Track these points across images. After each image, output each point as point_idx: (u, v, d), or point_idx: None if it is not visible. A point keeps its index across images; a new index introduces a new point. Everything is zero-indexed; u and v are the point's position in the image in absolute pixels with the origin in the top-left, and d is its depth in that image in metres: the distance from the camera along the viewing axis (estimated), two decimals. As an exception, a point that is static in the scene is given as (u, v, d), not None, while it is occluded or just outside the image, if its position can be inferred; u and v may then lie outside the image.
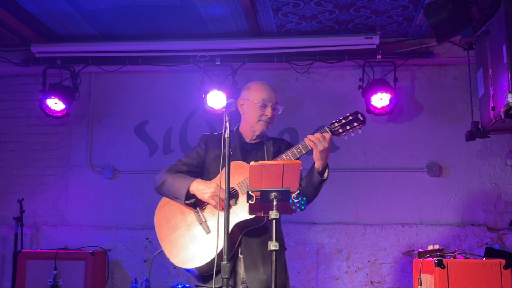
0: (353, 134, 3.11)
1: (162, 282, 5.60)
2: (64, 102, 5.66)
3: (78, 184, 5.92)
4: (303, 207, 3.18)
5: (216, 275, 2.96)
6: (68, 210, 5.90)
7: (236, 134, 3.34)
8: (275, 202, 2.61)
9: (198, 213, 3.16)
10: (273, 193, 2.62)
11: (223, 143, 2.87)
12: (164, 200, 3.28)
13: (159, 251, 3.26)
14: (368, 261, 5.47)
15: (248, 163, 2.80)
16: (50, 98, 5.62)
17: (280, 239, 3.21)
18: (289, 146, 3.26)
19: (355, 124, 3.07)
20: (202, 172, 3.31)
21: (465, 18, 4.16)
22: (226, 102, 2.92)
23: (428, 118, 5.64)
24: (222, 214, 3.02)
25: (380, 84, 5.32)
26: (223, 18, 5.11)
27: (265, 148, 3.28)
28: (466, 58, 5.00)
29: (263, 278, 3.06)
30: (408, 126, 5.65)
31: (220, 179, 2.98)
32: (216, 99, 5.34)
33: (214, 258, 2.95)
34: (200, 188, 3.11)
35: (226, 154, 2.80)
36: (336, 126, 3.08)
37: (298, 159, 3.06)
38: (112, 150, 5.95)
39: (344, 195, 5.60)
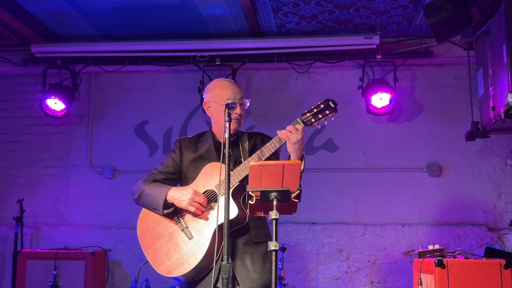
0: (326, 122, 3.06)
1: (162, 282, 5.59)
2: (64, 102, 5.66)
3: (78, 184, 5.92)
4: None
5: (203, 279, 3.00)
6: (68, 210, 5.90)
7: (209, 135, 3.27)
8: (275, 202, 2.61)
9: (178, 220, 3.11)
10: (273, 193, 2.62)
11: (223, 144, 2.85)
12: (145, 210, 3.23)
13: (144, 262, 3.23)
14: (368, 261, 5.47)
15: (224, 163, 2.77)
16: (50, 98, 5.63)
17: (267, 234, 3.17)
18: (263, 140, 3.20)
19: (327, 112, 3.03)
20: (180, 177, 3.27)
21: (465, 18, 4.16)
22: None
23: (428, 118, 5.64)
24: (201, 220, 3.03)
25: (380, 84, 5.32)
26: (223, 18, 5.11)
27: (240, 146, 3.21)
28: (466, 58, 5.00)
29: (254, 277, 3.04)
30: (408, 126, 5.65)
31: (197, 182, 2.96)
32: (216, 99, 5.33)
33: (198, 263, 2.94)
34: (177, 196, 3.05)
35: (227, 154, 2.78)
36: (308, 116, 3.04)
37: (274, 153, 3.03)
38: (112, 150, 5.95)
39: (344, 195, 5.60)
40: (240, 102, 3.14)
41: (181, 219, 3.11)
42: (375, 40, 5.21)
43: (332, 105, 3.04)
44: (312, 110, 3.05)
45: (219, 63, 5.55)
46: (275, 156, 3.09)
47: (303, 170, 2.99)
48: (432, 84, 5.69)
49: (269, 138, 3.14)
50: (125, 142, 5.95)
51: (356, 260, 5.49)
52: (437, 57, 5.46)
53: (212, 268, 2.94)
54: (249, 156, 3.09)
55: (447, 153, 5.58)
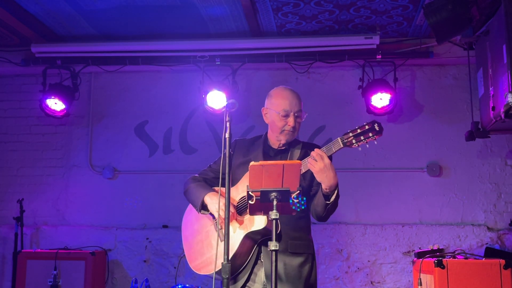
0: (367, 146, 2.89)
1: (162, 282, 5.60)
2: (64, 102, 5.66)
3: (78, 184, 5.92)
4: (303, 207, 3.18)
5: (235, 277, 3.03)
6: (68, 210, 5.90)
7: (262, 141, 3.26)
8: (275, 202, 2.61)
9: (215, 220, 3.16)
10: (273, 193, 2.62)
11: (223, 143, 2.85)
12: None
13: (183, 256, 3.31)
14: (368, 261, 5.47)
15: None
16: (50, 98, 5.62)
17: (305, 246, 3.15)
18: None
19: (371, 134, 2.86)
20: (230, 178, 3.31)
21: (465, 18, 4.16)
22: (226, 102, 2.89)
23: (428, 118, 5.64)
24: (236, 224, 3.06)
25: (380, 84, 5.32)
26: (223, 18, 5.11)
27: (289, 154, 3.17)
28: (466, 58, 5.00)
29: (286, 286, 3.02)
30: (408, 126, 5.65)
31: (221, 188, 2.91)
32: (216, 99, 5.34)
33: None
34: (212, 200, 3.12)
35: (227, 154, 2.79)
36: (350, 136, 2.87)
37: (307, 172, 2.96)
38: (112, 150, 5.95)
39: (344, 195, 5.52)
40: (296, 114, 3.10)
41: (217, 220, 3.13)
42: (375, 40, 5.21)
43: (377, 128, 2.86)
44: (355, 130, 2.89)
45: (219, 63, 5.54)
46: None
47: (336, 198, 2.93)
48: (432, 84, 5.69)
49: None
50: (125, 142, 5.95)
51: (356, 260, 5.49)
52: (437, 57, 5.46)
53: (243, 268, 3.04)
54: None
55: (447, 153, 5.58)
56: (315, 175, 2.88)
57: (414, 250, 5.25)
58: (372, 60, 5.45)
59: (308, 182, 3.14)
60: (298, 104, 3.13)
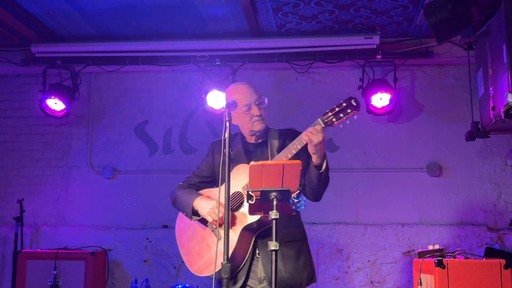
0: (348, 122, 3.01)
1: (162, 282, 5.59)
2: (64, 102, 5.66)
3: (78, 184, 5.92)
4: (303, 207, 3.19)
5: (235, 276, 3.06)
6: (68, 210, 5.90)
7: (238, 138, 3.32)
8: (275, 202, 2.61)
9: (208, 223, 3.19)
10: (273, 193, 2.62)
11: (223, 143, 2.86)
12: None
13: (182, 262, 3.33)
14: (368, 261, 5.47)
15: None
16: (50, 98, 5.62)
17: (300, 233, 3.23)
18: (292, 137, 3.18)
19: (349, 110, 2.97)
20: (215, 180, 3.33)
21: (465, 18, 4.16)
22: (226, 102, 2.90)
23: (428, 118, 5.64)
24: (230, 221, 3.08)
25: (380, 84, 5.32)
26: (223, 18, 5.11)
27: (268, 145, 3.25)
28: (466, 58, 5.00)
29: (285, 276, 3.07)
30: (408, 126, 5.65)
31: (219, 189, 2.98)
32: (216, 99, 5.34)
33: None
34: (201, 204, 3.17)
35: (227, 154, 2.79)
36: (329, 116, 3.00)
37: (296, 155, 3.03)
38: (112, 150, 5.95)
39: (344, 195, 5.59)
40: (256, 102, 3.19)
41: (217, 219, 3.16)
42: (375, 40, 5.21)
43: (354, 103, 2.98)
44: (333, 109, 3.01)
45: (219, 63, 5.55)
46: (303, 153, 3.06)
47: (326, 168, 3.04)
48: (432, 84, 5.69)
49: (300, 133, 3.10)
50: (125, 142, 5.95)
51: (356, 260, 5.48)
52: (437, 57, 5.46)
53: (243, 266, 3.06)
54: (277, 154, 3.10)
55: (447, 153, 5.58)
56: (310, 147, 2.96)
57: (414, 250, 5.25)
58: (372, 60, 5.45)
59: (306, 160, 3.16)
60: (254, 93, 3.22)
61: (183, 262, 3.38)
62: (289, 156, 3.02)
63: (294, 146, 3.03)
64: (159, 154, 5.88)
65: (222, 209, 3.01)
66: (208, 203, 3.14)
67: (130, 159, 5.91)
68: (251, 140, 3.30)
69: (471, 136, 4.76)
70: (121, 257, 5.73)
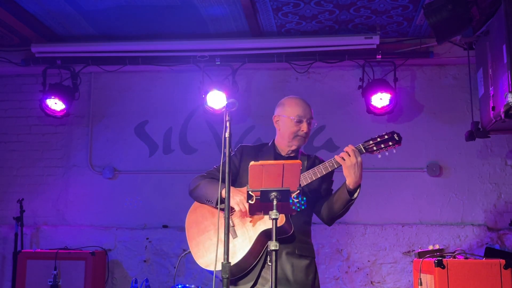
0: (387, 153, 3.16)
1: (162, 282, 5.59)
2: (64, 102, 5.66)
3: (78, 184, 5.92)
4: (303, 207, 3.19)
5: (241, 279, 3.05)
6: (68, 210, 5.90)
7: (271, 147, 3.35)
8: (275, 202, 2.61)
9: (232, 214, 3.17)
10: (273, 193, 2.62)
11: (223, 142, 2.85)
12: (196, 203, 3.32)
13: (187, 251, 3.29)
14: (368, 261, 5.47)
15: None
16: (50, 98, 5.62)
17: (312, 250, 3.30)
18: (320, 162, 3.28)
19: (390, 143, 3.14)
20: (235, 181, 3.32)
21: (465, 18, 4.16)
22: (226, 102, 2.90)
23: (428, 118, 5.64)
24: (248, 222, 3.09)
25: (380, 84, 5.32)
26: (223, 18, 5.11)
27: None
28: (466, 58, 5.00)
29: (294, 287, 3.08)
30: (408, 126, 5.64)
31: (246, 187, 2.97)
32: (216, 99, 5.34)
33: (236, 264, 2.99)
34: (232, 192, 3.12)
35: (227, 154, 2.79)
36: (371, 144, 3.13)
37: (321, 178, 3.09)
38: (112, 150, 5.95)
39: (344, 195, 5.58)
40: (308, 121, 3.26)
41: (230, 218, 3.14)
42: (375, 40, 5.21)
43: (397, 138, 3.15)
44: (375, 139, 3.15)
45: (219, 63, 5.55)
46: (330, 176, 3.21)
47: (354, 199, 3.08)
48: (432, 84, 5.69)
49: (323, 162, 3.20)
50: (125, 142, 5.95)
51: (356, 260, 5.48)
52: (437, 57, 5.46)
53: (251, 270, 3.06)
54: (306, 172, 3.13)
55: (447, 153, 5.58)
56: (344, 169, 3.03)
57: (414, 250, 5.25)
58: (372, 60, 5.45)
59: (327, 185, 3.28)
60: (310, 112, 3.30)
61: (183, 257, 3.34)
62: (314, 178, 3.09)
63: (330, 165, 3.10)
64: (159, 154, 5.88)
65: (245, 206, 3.01)
66: (238, 194, 3.10)
67: (130, 159, 5.91)
68: (283, 152, 3.32)
69: (471, 136, 4.76)
70: (121, 257, 5.73)
